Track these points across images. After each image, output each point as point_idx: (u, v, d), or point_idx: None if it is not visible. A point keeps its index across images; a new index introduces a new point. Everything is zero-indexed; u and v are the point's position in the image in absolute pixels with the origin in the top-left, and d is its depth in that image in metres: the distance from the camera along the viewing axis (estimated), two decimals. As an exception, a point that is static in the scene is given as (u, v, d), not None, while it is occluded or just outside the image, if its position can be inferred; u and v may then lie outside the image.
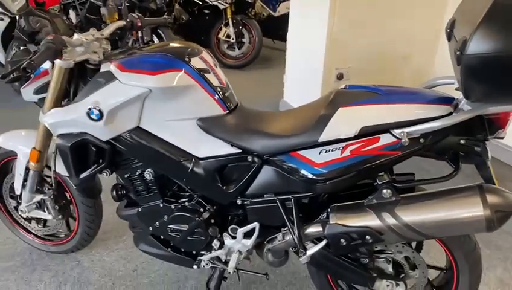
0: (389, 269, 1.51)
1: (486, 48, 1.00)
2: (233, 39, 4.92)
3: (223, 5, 4.76)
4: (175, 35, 4.98)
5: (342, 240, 1.33)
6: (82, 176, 1.57)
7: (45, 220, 2.03)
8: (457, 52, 1.06)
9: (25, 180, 1.81)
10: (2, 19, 3.72)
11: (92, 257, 2.10)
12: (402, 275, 1.52)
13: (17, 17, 3.47)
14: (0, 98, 4.03)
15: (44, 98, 1.58)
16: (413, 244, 1.57)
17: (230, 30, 4.87)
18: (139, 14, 1.73)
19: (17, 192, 1.86)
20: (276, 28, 5.04)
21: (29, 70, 1.32)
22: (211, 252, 1.61)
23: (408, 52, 3.26)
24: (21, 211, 1.88)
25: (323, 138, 1.27)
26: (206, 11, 5.01)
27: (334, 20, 2.92)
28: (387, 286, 1.51)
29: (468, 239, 1.43)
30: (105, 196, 1.90)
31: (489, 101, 1.14)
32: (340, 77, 3.15)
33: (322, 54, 3.04)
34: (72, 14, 4.69)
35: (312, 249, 1.39)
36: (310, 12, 3.15)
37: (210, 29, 4.99)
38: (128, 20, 1.69)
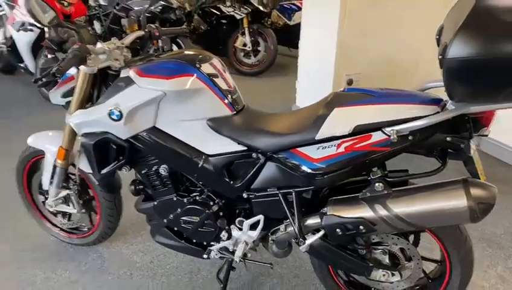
0: (386, 260, 1.60)
1: (464, 52, 1.10)
2: (249, 47, 5.08)
3: (239, 15, 4.93)
4: (194, 45, 5.16)
5: (337, 230, 1.44)
6: (103, 171, 1.73)
7: (70, 215, 2.19)
8: (440, 57, 1.17)
9: (52, 176, 1.97)
10: (32, 30, 3.95)
11: (112, 249, 2.25)
12: (398, 265, 1.62)
13: (45, 28, 3.71)
14: (30, 104, 4.27)
15: (70, 101, 1.75)
16: (411, 238, 1.67)
17: (247, 39, 5.03)
18: (157, 25, 1.89)
19: (45, 187, 2.03)
20: (291, 36, 5.15)
21: (58, 75, 1.49)
22: (219, 243, 1.73)
23: (417, 58, 3.34)
24: (48, 205, 2.05)
25: (320, 135, 1.38)
26: (224, 21, 5.18)
27: (343, 28, 3.04)
28: (384, 275, 1.60)
29: (459, 232, 1.52)
30: (125, 195, 2.06)
31: (471, 101, 1.23)
32: (350, 82, 3.26)
33: (332, 60, 3.16)
34: (97, 25, 4.93)
35: (311, 239, 1.50)
36: (320, 21, 3.28)
37: (227, 39, 5.16)
38: (146, 30, 1.84)
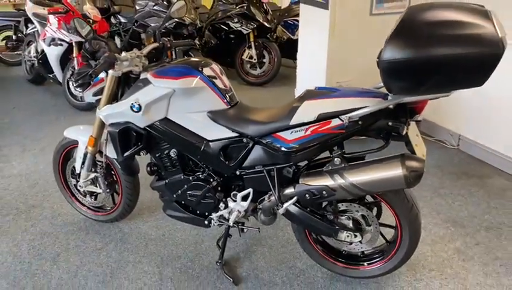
0: (350, 224, 1.98)
1: (393, 55, 1.45)
2: (255, 60, 5.49)
3: (246, 30, 5.37)
4: (205, 57, 5.62)
5: (306, 195, 1.83)
6: (125, 154, 2.15)
7: (96, 195, 2.62)
8: (377, 60, 1.57)
9: (83, 162, 2.41)
10: (62, 45, 4.44)
11: (131, 225, 2.67)
12: (359, 229, 2.00)
13: (73, 43, 4.22)
14: (58, 110, 4.76)
15: (100, 99, 2.19)
16: (374, 211, 2.05)
17: (253, 52, 5.46)
18: (169, 38, 2.34)
19: (77, 171, 2.47)
20: (295, 50, 5.59)
21: (93, 76, 1.94)
22: (217, 212, 2.14)
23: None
24: (80, 186, 2.50)
25: (292, 122, 1.77)
26: (232, 36, 5.60)
27: (333, 42, 3.45)
28: (347, 236, 1.98)
29: (406, 200, 1.88)
30: (143, 183, 2.50)
31: (403, 93, 1.60)
32: (341, 89, 3.66)
33: (324, 69, 3.57)
34: (117, 40, 5.44)
35: (286, 203, 1.90)
36: (313, 35, 3.71)
37: (235, 52, 5.58)
38: (160, 42, 2.29)
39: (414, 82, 1.53)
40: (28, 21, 5.59)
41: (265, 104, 1.95)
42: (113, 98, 2.17)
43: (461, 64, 1.42)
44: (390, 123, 1.70)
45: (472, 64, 1.42)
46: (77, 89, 4.44)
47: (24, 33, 5.84)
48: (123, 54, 2.06)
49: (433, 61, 1.42)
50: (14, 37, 6.08)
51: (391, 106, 1.66)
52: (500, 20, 1.41)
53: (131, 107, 1.99)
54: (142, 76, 2.04)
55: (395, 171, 1.69)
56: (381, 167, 1.74)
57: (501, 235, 2.52)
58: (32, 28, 5.34)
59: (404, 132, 1.67)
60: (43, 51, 4.85)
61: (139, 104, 1.97)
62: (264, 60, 5.59)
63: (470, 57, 1.39)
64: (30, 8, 5.15)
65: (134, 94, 2.01)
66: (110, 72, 2.08)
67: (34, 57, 5.14)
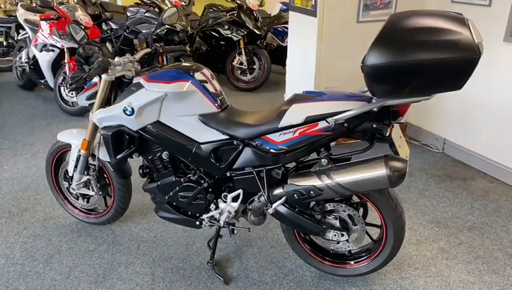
0: (337, 223, 2.05)
1: (376, 60, 1.52)
2: (245, 66, 5.58)
3: (236, 37, 5.46)
4: (195, 63, 5.68)
5: (294, 195, 1.90)
6: (118, 156, 2.19)
7: (89, 198, 2.65)
8: (361, 64, 1.65)
9: (76, 165, 2.45)
10: (53, 50, 4.47)
11: (123, 227, 2.71)
12: (346, 228, 2.06)
13: (65, 49, 4.27)
14: (50, 115, 4.78)
15: (93, 102, 2.24)
16: (360, 211, 2.11)
17: (243, 58, 5.54)
18: (161, 44, 2.39)
19: (70, 174, 2.50)
20: (284, 56, 5.68)
21: (87, 80, 1.99)
22: (208, 213, 2.19)
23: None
24: (72, 188, 2.53)
25: (281, 124, 1.84)
26: (222, 42, 5.67)
27: (321, 49, 3.54)
28: (335, 235, 2.04)
29: (391, 200, 1.96)
30: (134, 188, 2.54)
31: (387, 96, 1.68)
32: (329, 94, 3.74)
33: (312, 75, 3.65)
34: (109, 46, 5.48)
35: (276, 203, 1.96)
36: (302, 43, 3.80)
37: (226, 58, 5.66)
38: (152, 48, 2.35)
39: (396, 86, 1.60)
40: (19, 27, 5.64)
41: (255, 109, 2.02)
42: (106, 102, 2.22)
43: (440, 69, 1.50)
44: (374, 125, 1.77)
45: (450, 69, 1.50)
46: (69, 94, 4.48)
47: (15, 39, 5.86)
48: (116, 59, 2.12)
49: (413, 65, 1.50)
50: (4, 43, 6.10)
51: (375, 109, 1.74)
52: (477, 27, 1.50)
53: (124, 110, 2.04)
54: (135, 80, 2.09)
55: (379, 171, 1.77)
56: (366, 167, 1.81)
57: (483, 234, 2.61)
58: (23, 34, 5.36)
59: (388, 134, 1.74)
60: (34, 56, 4.87)
61: (131, 108, 2.02)
62: (254, 67, 5.67)
63: (448, 61, 1.47)
64: (21, 15, 5.19)
65: (127, 98, 2.06)
66: (104, 76, 2.13)
67: (25, 62, 5.16)
